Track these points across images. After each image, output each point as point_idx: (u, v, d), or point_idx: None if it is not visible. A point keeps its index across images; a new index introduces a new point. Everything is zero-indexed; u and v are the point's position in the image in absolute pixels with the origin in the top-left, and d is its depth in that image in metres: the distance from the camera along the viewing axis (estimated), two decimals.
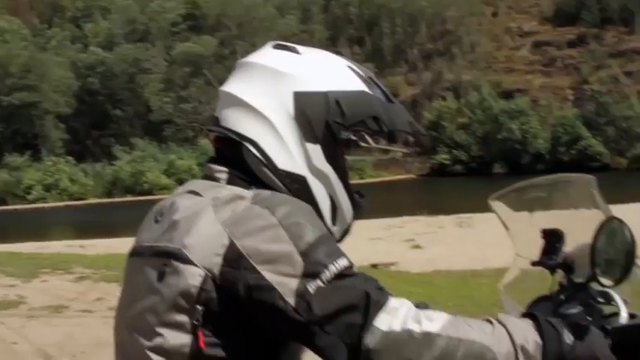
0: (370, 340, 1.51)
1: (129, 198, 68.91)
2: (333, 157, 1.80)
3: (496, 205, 2.46)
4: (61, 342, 8.94)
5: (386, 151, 2.00)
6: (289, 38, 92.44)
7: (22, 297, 12.40)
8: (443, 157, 77.25)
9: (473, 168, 72.31)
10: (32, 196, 72.34)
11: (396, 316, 1.53)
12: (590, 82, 78.32)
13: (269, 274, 1.55)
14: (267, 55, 1.90)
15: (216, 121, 1.86)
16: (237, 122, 1.80)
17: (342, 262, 1.57)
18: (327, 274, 1.55)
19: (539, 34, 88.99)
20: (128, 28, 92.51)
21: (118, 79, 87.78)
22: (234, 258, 1.58)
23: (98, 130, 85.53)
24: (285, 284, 1.54)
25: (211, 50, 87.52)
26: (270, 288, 1.55)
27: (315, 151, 1.78)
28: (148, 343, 1.64)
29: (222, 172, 1.79)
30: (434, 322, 1.56)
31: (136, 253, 1.80)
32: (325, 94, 1.79)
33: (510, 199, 2.48)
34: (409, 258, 17.17)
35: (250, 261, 1.56)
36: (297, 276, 1.54)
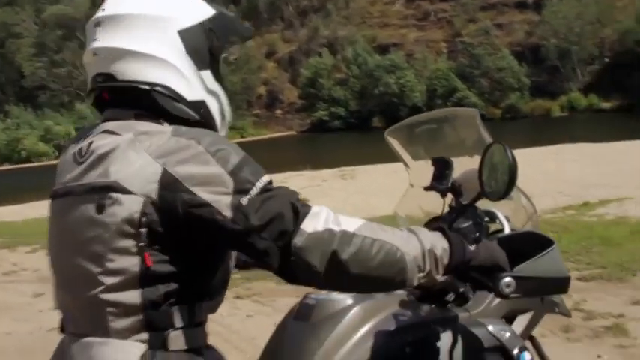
0: (298, 240, 1.75)
1: (7, 167, 66.69)
2: (218, 74, 2.07)
3: (391, 139, 2.79)
4: None
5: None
6: None
7: None
8: (322, 113, 77.64)
9: (352, 123, 72.96)
10: None
11: (318, 220, 1.79)
12: (462, 35, 79.96)
13: (204, 194, 1.76)
14: (136, 5, 1.98)
15: (110, 77, 1.96)
16: (140, 72, 1.94)
17: (265, 178, 1.82)
18: (255, 189, 1.78)
19: None
20: None
21: None
22: (170, 182, 1.77)
23: None
24: (220, 200, 1.76)
25: (83, 12, 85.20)
26: (207, 205, 1.75)
27: (207, 75, 2.02)
28: (98, 269, 1.79)
29: (129, 114, 1.93)
30: (351, 224, 1.83)
31: (61, 194, 1.93)
32: (201, 25, 2.02)
33: (404, 133, 2.83)
34: None
35: (185, 185, 1.76)
36: (230, 193, 1.76)
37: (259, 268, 2.14)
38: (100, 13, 1.99)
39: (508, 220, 2.57)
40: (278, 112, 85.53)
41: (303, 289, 2.13)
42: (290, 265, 1.77)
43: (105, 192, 1.78)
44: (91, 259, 1.79)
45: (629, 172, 16.19)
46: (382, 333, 2.31)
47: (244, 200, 1.76)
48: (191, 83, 1.98)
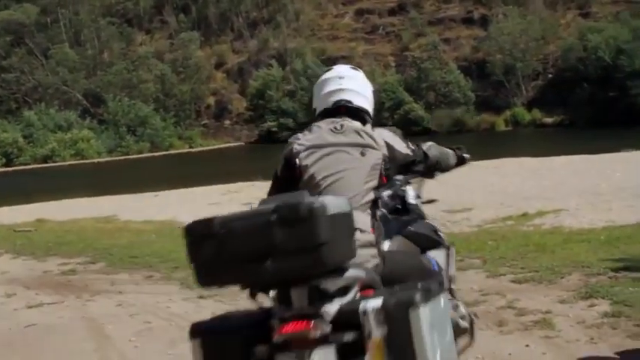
0: None
1: None
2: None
3: None
4: None
5: None
6: (113, 7, 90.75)
7: None
8: (270, 124, 78.00)
9: None
10: None
11: None
12: (410, 49, 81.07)
13: (402, 149, 3.96)
14: (359, 73, 4.15)
15: (349, 102, 3.96)
16: (363, 103, 4.02)
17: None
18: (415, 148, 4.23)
19: (362, 1, 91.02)
20: None
21: None
22: (388, 145, 3.84)
23: None
24: (406, 149, 4.01)
25: (33, 18, 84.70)
26: (403, 153, 3.97)
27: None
28: (354, 192, 3.64)
29: (350, 121, 3.88)
30: None
31: (329, 145, 3.76)
32: (375, 92, 4.23)
33: None
34: None
35: (395, 146, 3.87)
36: (407, 148, 4.01)
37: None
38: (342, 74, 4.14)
39: (419, 196, 4.41)
40: (227, 122, 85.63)
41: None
42: None
43: (365, 147, 3.74)
44: (354, 176, 3.69)
45: (567, 185, 17.01)
46: None
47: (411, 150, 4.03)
48: (371, 111, 4.09)
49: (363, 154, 3.68)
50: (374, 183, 3.68)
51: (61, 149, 70.69)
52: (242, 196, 20.74)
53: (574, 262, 8.17)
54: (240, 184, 25.77)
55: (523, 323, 6.22)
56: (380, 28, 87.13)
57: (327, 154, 3.70)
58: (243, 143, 79.76)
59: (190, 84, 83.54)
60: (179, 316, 7.78)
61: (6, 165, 68.14)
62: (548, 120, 66.95)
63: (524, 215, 13.30)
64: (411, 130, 65.97)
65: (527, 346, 5.68)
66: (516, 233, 11.15)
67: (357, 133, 3.72)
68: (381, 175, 3.70)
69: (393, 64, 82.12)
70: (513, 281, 7.70)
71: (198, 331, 3.22)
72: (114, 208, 20.99)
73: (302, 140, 3.81)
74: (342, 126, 3.75)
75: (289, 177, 3.80)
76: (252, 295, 3.18)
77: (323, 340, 2.94)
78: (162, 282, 9.54)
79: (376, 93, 4.20)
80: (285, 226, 2.85)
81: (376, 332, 2.93)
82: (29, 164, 68.22)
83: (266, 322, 3.04)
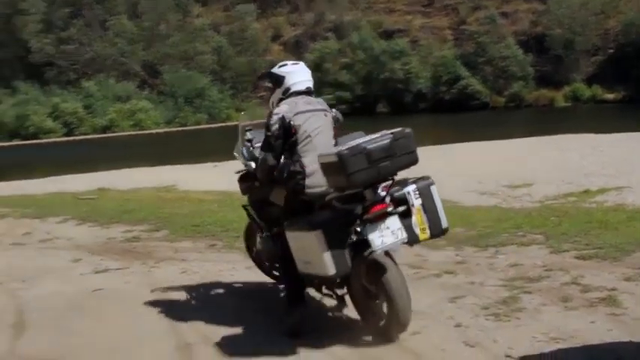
0: None
1: (16, 142, 66.77)
2: None
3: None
4: (3, 270, 9.28)
5: None
6: None
7: None
8: (327, 97, 77.71)
9: (357, 107, 73.23)
10: None
11: None
12: (468, 22, 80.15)
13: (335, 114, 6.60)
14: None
15: (311, 87, 6.37)
16: (312, 86, 6.43)
17: None
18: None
19: None
20: None
21: None
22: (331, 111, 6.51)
23: None
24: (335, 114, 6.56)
25: None
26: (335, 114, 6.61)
27: None
28: (329, 139, 6.19)
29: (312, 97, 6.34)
30: None
31: (308, 111, 6.10)
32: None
33: None
34: None
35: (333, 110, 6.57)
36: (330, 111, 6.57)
37: None
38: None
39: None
40: None
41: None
42: None
43: (325, 111, 6.22)
44: (327, 129, 6.18)
45: (628, 162, 16.78)
46: None
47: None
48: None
49: (325, 115, 6.22)
50: (332, 133, 6.26)
51: (119, 120, 71.33)
52: None
53: (638, 240, 8.09)
54: None
55: (588, 300, 6.21)
56: (437, 2, 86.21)
57: (309, 117, 6.07)
58: None
59: (247, 56, 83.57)
60: (242, 284, 7.91)
61: (67, 135, 69.00)
62: (609, 96, 65.72)
63: (586, 192, 13.19)
64: (469, 104, 65.62)
65: (592, 322, 5.67)
66: (579, 210, 11.05)
67: (319, 103, 6.27)
68: (334, 127, 6.31)
69: (450, 37, 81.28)
70: (577, 257, 7.65)
71: (316, 225, 5.46)
72: (173, 178, 21.22)
73: (287, 110, 6.04)
74: (309, 100, 6.22)
75: (283, 134, 5.99)
76: (366, 188, 5.49)
77: (391, 213, 5.49)
78: (225, 250, 9.67)
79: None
80: (399, 141, 5.48)
81: (416, 203, 5.60)
82: (89, 134, 68.96)
83: (350, 215, 5.52)
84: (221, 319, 6.61)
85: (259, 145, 6.28)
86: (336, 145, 6.00)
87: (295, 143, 5.94)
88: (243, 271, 8.31)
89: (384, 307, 5.55)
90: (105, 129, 70.91)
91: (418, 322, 5.80)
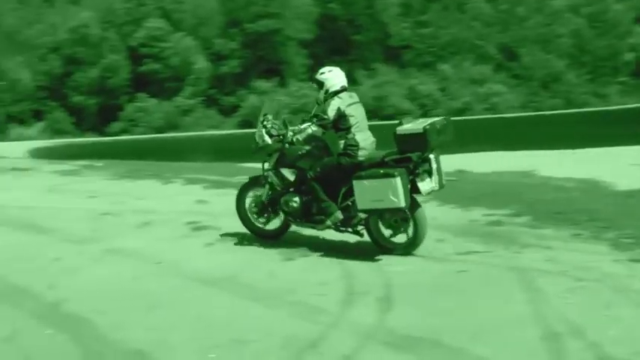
0: None
1: (373, 122, 69.67)
2: None
3: None
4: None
5: None
6: None
7: None
8: None
9: None
10: None
11: None
12: None
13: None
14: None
15: (346, 86, 9.15)
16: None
17: None
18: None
19: None
20: None
21: (357, 5, 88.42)
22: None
23: (339, 56, 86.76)
24: None
25: None
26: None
27: None
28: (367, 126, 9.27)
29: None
30: None
31: (354, 103, 9.14)
32: None
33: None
34: None
35: None
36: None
37: None
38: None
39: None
40: None
41: None
42: None
43: (360, 103, 9.20)
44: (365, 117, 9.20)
45: None
46: None
47: None
48: None
49: (361, 105, 9.03)
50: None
51: (474, 103, 71.93)
52: None
53: None
54: None
55: None
56: None
57: (357, 107, 8.97)
58: None
59: (607, 39, 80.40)
60: (611, 277, 7.61)
61: (423, 116, 70.39)
62: None
63: None
64: None
65: None
66: None
67: (356, 96, 9.06)
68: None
69: None
70: None
71: (393, 175, 8.28)
72: (532, 163, 20.98)
73: (340, 103, 8.81)
74: (351, 95, 9.00)
75: (338, 119, 8.78)
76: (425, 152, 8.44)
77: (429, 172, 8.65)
78: (591, 241, 9.33)
79: None
80: (448, 125, 8.64)
81: (433, 167, 8.57)
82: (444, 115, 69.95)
83: (408, 170, 8.46)
84: (592, 311, 6.41)
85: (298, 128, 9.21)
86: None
87: (350, 126, 8.82)
88: (610, 264, 8.03)
89: (410, 231, 8.70)
90: (459, 112, 71.79)
91: None
